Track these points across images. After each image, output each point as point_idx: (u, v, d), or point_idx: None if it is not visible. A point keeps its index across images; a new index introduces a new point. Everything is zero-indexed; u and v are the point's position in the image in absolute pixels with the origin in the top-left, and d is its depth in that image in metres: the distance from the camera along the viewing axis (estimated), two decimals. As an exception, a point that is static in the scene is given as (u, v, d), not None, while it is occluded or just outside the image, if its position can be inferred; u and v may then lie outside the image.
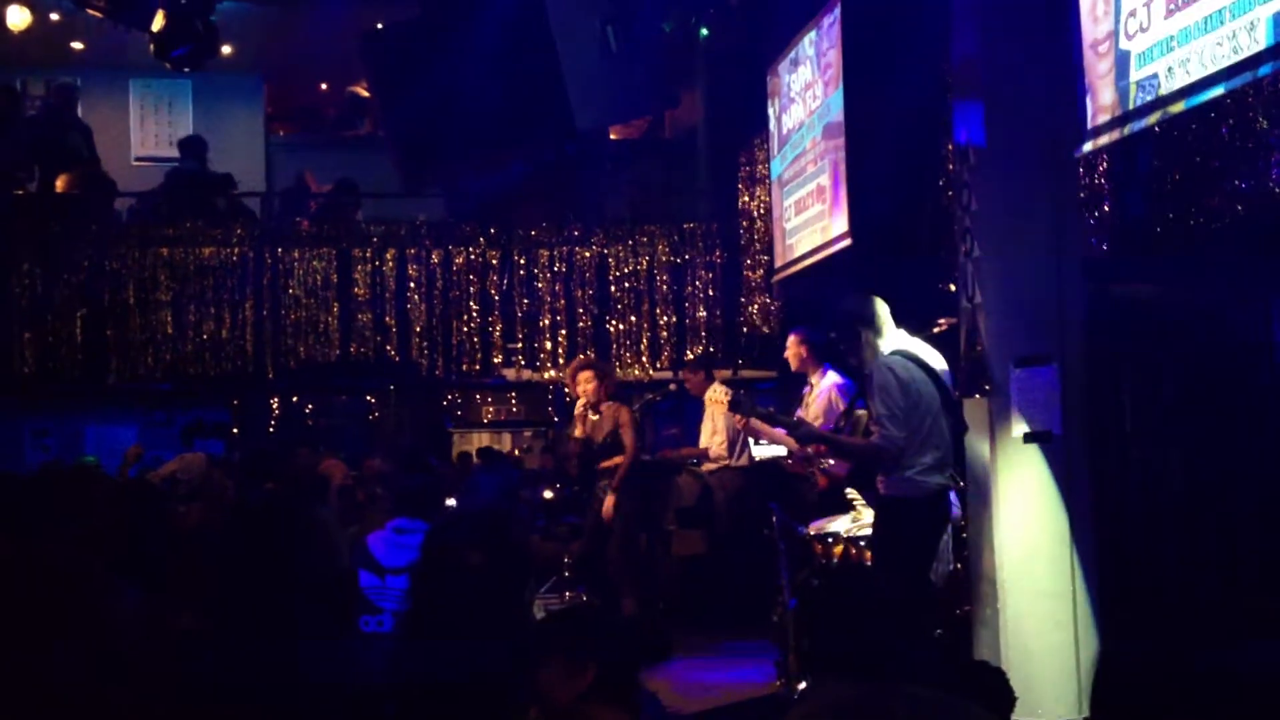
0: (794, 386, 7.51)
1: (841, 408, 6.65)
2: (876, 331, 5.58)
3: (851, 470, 6.24)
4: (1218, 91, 4.41)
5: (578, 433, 8.10)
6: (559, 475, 12.73)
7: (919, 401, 5.38)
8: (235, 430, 11.85)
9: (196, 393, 10.91)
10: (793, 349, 7.29)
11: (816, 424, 6.57)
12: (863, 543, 6.14)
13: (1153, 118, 4.76)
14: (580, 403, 8.00)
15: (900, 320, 5.71)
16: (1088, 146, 5.27)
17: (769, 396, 10.55)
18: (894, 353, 5.50)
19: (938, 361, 5.58)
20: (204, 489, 5.65)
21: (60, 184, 10.18)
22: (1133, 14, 4.92)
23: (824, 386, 7.10)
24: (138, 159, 13.05)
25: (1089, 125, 5.19)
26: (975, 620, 5.58)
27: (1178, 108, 4.61)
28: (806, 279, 9.12)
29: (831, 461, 6.56)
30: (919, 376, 5.41)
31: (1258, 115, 5.33)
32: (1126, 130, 4.94)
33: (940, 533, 5.60)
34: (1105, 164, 6.19)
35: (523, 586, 2.96)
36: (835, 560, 6.19)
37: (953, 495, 5.84)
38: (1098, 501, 5.59)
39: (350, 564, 4.32)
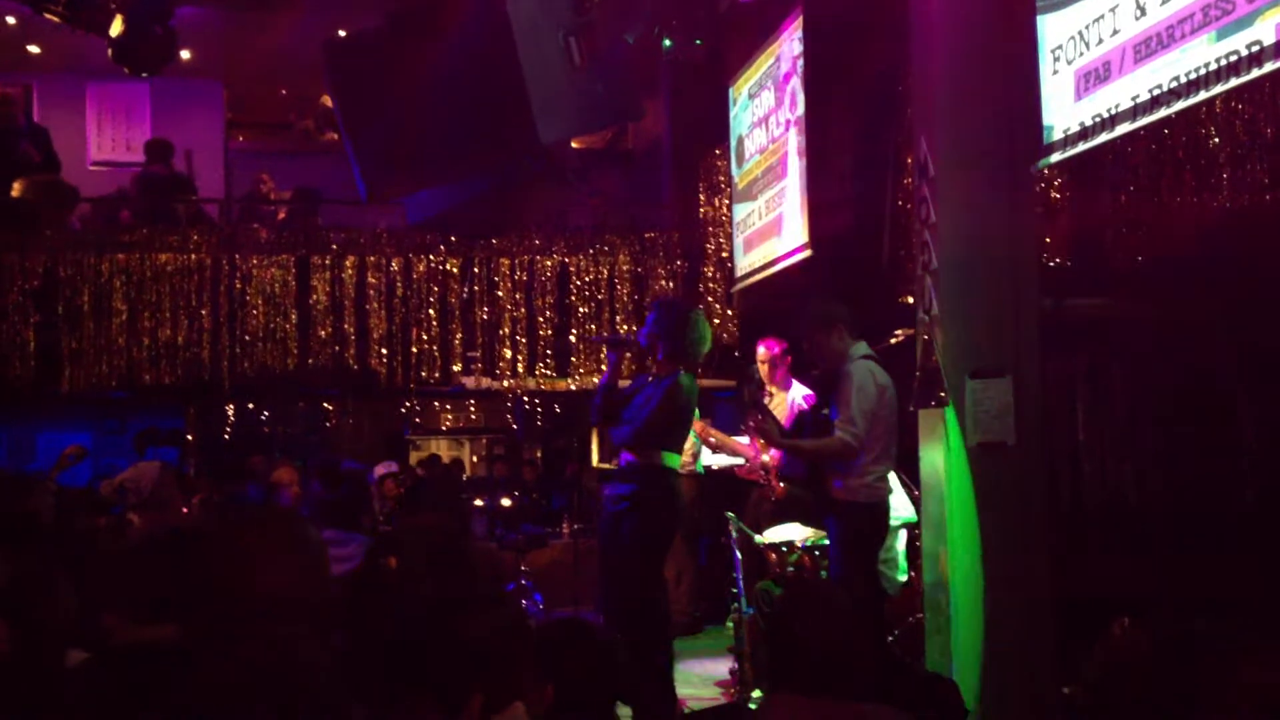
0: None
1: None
2: (849, 331, 5.69)
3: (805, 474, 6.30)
4: (1170, 110, 4.47)
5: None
6: (516, 483, 12.68)
7: (885, 411, 5.55)
8: (190, 438, 11.74)
9: (151, 400, 10.79)
10: (772, 355, 7.18)
11: None
12: (818, 552, 6.19)
13: (1107, 134, 4.82)
14: None
15: (859, 331, 5.80)
16: (1044, 161, 5.32)
17: (727, 405, 10.59)
18: (866, 357, 5.63)
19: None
20: (154, 498, 5.56)
21: (16, 189, 10.04)
22: (1089, 28, 4.98)
23: (790, 397, 7.12)
24: (94, 163, 12.92)
25: (1046, 140, 5.24)
26: (927, 628, 5.63)
27: (1130, 125, 4.67)
28: (764, 290, 9.16)
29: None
30: (888, 386, 5.57)
31: (1210, 132, 5.42)
32: (1083, 146, 5.00)
33: (884, 538, 5.77)
34: (1062, 178, 6.27)
35: (471, 595, 2.93)
36: (791, 569, 6.24)
37: (907, 501, 6.01)
38: (1051, 511, 5.65)
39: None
